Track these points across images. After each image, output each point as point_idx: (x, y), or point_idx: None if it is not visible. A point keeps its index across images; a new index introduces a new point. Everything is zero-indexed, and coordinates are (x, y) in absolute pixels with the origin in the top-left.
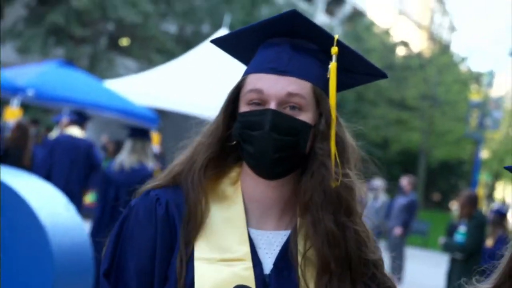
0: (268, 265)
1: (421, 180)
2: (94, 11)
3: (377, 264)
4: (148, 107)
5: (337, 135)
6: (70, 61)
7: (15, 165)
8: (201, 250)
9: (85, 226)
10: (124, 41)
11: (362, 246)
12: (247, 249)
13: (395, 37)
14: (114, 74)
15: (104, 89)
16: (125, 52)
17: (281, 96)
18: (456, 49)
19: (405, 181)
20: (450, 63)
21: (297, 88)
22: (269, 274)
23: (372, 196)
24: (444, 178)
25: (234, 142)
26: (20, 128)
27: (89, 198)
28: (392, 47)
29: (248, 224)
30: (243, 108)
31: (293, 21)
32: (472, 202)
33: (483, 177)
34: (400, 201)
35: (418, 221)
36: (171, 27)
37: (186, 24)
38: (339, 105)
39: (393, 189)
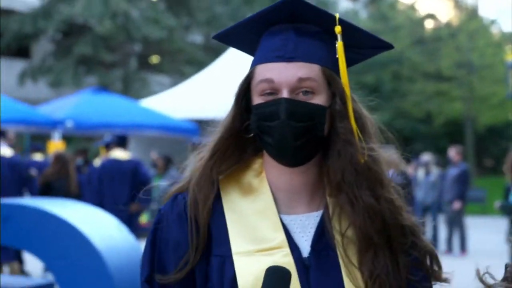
0: (305, 248)
1: (470, 148)
2: (119, 35)
3: (414, 230)
4: (186, 119)
5: (355, 111)
6: (103, 87)
7: (61, 196)
8: (238, 245)
9: (142, 246)
10: (154, 59)
11: (397, 214)
12: (282, 236)
13: (421, 11)
14: (148, 92)
15: (141, 108)
16: (156, 69)
17: (292, 82)
18: (484, 12)
19: (452, 152)
20: (480, 27)
21: (306, 72)
22: (308, 257)
23: (424, 172)
24: (494, 143)
25: (252, 134)
26: (59, 159)
27: (144, 218)
28: (419, 21)
29: (279, 211)
30: (256, 100)
31: (292, 6)
32: None
33: None
34: (452, 172)
35: (474, 189)
36: (197, 38)
37: (211, 32)
38: (376, 86)
39: (444, 162)
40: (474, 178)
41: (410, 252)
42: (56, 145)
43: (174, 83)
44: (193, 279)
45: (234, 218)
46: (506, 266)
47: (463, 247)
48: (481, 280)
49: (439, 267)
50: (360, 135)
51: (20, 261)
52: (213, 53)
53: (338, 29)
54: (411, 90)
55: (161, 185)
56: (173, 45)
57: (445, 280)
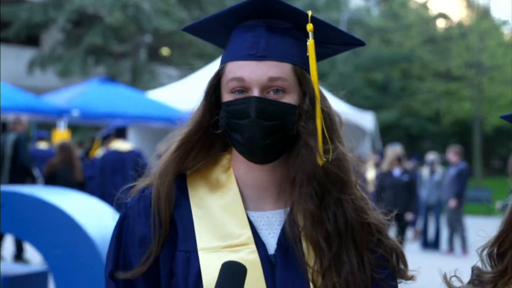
0: (272, 245)
1: (478, 148)
2: (130, 26)
3: (380, 228)
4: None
5: (323, 110)
6: (111, 78)
7: (66, 185)
8: (204, 240)
9: None
10: (164, 51)
11: (361, 213)
12: (249, 233)
13: (433, 10)
14: (157, 84)
15: (147, 100)
16: (166, 61)
17: (263, 82)
18: (496, 13)
19: (450, 153)
20: (492, 28)
21: (278, 71)
22: (274, 254)
23: (429, 171)
24: (502, 144)
25: (220, 131)
26: (63, 148)
27: None
28: (431, 20)
29: (246, 208)
30: (226, 97)
31: (265, 2)
32: None
33: None
34: (451, 172)
35: (480, 190)
36: None
37: None
38: (385, 84)
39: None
40: (481, 178)
41: (376, 250)
42: (61, 134)
43: (183, 76)
44: (158, 274)
45: (200, 214)
46: (472, 269)
47: (464, 247)
48: (448, 284)
49: (405, 265)
50: (327, 135)
51: (20, 248)
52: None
53: (310, 26)
54: (421, 88)
55: None
56: (183, 38)
57: (411, 278)
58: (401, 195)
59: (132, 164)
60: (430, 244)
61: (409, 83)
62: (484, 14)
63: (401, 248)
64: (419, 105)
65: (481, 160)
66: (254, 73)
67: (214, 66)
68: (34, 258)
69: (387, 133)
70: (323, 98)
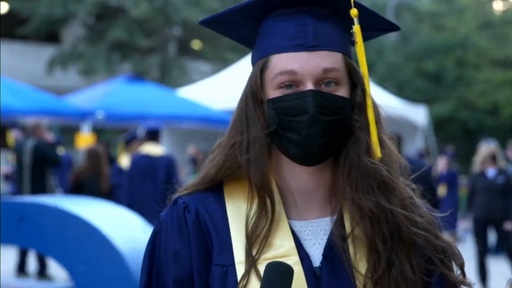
0: (317, 257)
1: None
2: (157, 18)
3: (427, 227)
4: (228, 110)
5: (373, 103)
6: (138, 75)
7: (93, 194)
8: (241, 253)
9: None
10: (195, 44)
11: (409, 212)
12: (291, 243)
13: None
14: (188, 80)
15: (177, 98)
16: (197, 55)
17: (317, 74)
18: None
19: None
20: None
21: (331, 61)
22: (319, 266)
23: None
24: None
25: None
26: (92, 155)
27: None
28: (487, 3)
29: (289, 217)
30: (272, 93)
31: None
32: None
33: None
34: None
35: None
36: None
37: None
38: (438, 74)
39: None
40: None
41: (424, 252)
42: (85, 138)
43: (216, 71)
44: None
45: (238, 225)
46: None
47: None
48: None
49: (460, 266)
50: (377, 129)
51: (43, 264)
52: None
53: (354, 12)
54: (477, 78)
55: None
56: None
57: (465, 283)
58: (496, 200)
59: (164, 170)
60: None
61: (464, 73)
62: None
63: (455, 249)
64: (475, 97)
65: None
66: (307, 65)
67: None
68: (58, 274)
69: (441, 128)
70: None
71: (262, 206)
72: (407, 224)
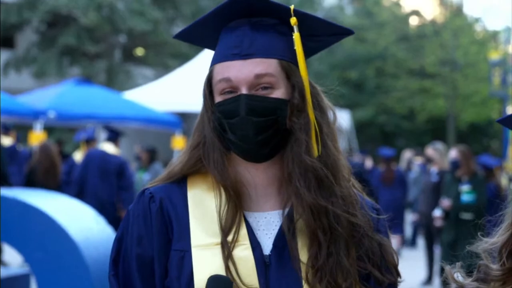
0: (268, 246)
1: (452, 144)
2: (104, 26)
3: (364, 226)
4: (169, 112)
5: (316, 104)
6: (87, 78)
7: (44, 187)
8: (198, 238)
9: None
10: (139, 51)
11: (349, 209)
12: (244, 231)
13: (406, 8)
14: (133, 84)
15: (123, 101)
16: (141, 61)
17: (250, 80)
18: (469, 10)
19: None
20: (465, 25)
21: (263, 68)
22: (269, 255)
23: (406, 168)
24: (476, 140)
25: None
26: (43, 149)
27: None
28: (404, 18)
29: (245, 209)
30: (217, 98)
31: (246, 1)
32: (468, 158)
33: None
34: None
35: None
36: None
37: None
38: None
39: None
40: None
41: (361, 245)
42: (38, 136)
43: (158, 76)
44: (153, 274)
45: (197, 213)
46: (479, 266)
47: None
48: (452, 278)
49: (392, 262)
50: (317, 130)
51: None
52: (198, 47)
53: (293, 20)
54: (395, 86)
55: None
56: (158, 38)
57: (385, 281)
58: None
59: (116, 171)
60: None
61: (383, 81)
62: (457, 11)
63: (388, 249)
64: (393, 103)
65: None
66: (240, 72)
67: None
68: (13, 260)
69: (362, 131)
70: (317, 92)
71: (224, 198)
72: (346, 220)
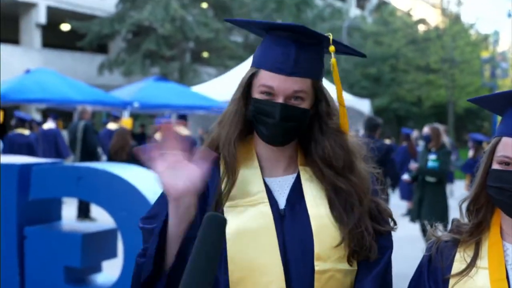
0: (282, 202)
1: (451, 126)
2: (177, 34)
3: (365, 189)
4: (227, 102)
5: (336, 110)
6: (164, 76)
7: (121, 161)
8: (230, 200)
9: None
10: (204, 54)
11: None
12: (263, 193)
13: (415, 17)
14: (199, 81)
15: (192, 93)
16: (206, 62)
17: (288, 93)
18: (465, 18)
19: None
20: (462, 30)
21: (301, 86)
22: (284, 209)
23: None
24: (471, 122)
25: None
26: (120, 133)
27: None
28: (413, 25)
29: (263, 175)
30: (256, 94)
31: (296, 31)
32: (437, 134)
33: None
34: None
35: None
36: (238, 38)
37: (249, 34)
38: (378, 77)
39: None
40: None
41: (362, 204)
42: (125, 121)
43: (219, 74)
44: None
45: (226, 181)
46: (453, 221)
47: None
48: (432, 232)
49: (387, 212)
50: (346, 126)
51: (88, 210)
52: (251, 50)
53: (332, 48)
54: (406, 79)
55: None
56: (219, 44)
57: (394, 222)
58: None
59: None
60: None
61: (396, 76)
62: (455, 19)
63: (382, 205)
64: (404, 93)
65: (454, 136)
66: (281, 85)
67: (243, 66)
68: (99, 216)
69: (380, 115)
70: (330, 97)
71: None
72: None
